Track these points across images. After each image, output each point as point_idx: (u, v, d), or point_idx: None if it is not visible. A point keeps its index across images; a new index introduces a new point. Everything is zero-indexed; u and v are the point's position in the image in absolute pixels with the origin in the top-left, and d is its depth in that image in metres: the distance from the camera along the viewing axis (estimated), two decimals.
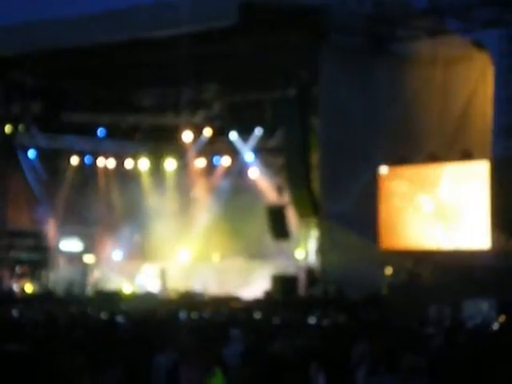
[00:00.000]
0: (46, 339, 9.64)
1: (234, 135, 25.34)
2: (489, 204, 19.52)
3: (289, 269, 22.80)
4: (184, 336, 9.65)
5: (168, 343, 9.00)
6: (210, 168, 26.80)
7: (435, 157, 20.49)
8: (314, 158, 22.04)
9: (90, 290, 24.61)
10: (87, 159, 27.05)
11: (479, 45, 22.32)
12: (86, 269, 25.83)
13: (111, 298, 21.98)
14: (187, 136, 26.01)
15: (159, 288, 24.29)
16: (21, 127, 25.81)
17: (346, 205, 20.90)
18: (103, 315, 15.15)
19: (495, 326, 12.99)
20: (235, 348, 9.55)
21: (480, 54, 22.47)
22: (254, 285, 23.17)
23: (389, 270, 20.00)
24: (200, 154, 26.60)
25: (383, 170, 21.11)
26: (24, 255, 25.78)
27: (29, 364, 8.00)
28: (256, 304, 20.10)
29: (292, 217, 23.19)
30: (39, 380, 7.80)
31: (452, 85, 22.38)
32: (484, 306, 15.96)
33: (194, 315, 15.15)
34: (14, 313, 16.34)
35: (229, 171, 26.36)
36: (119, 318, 13.93)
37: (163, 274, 24.48)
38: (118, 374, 7.93)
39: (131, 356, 8.72)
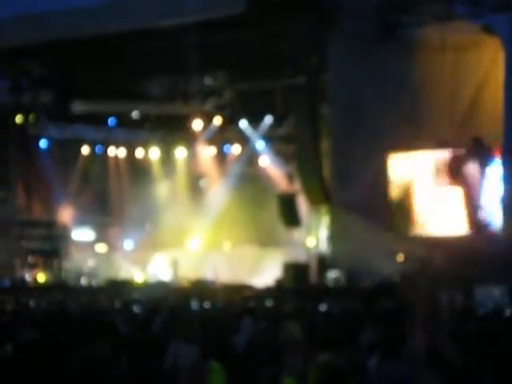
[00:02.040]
0: (58, 328, 9.71)
1: (243, 123, 25.33)
2: (500, 189, 19.48)
3: (300, 256, 22.82)
4: (197, 325, 9.70)
5: (180, 332, 9.04)
6: (221, 156, 26.81)
7: (446, 143, 20.43)
8: (325, 145, 22.01)
9: (101, 280, 24.72)
10: (98, 149, 27.11)
11: (489, 30, 22.14)
12: (98, 258, 25.95)
13: (123, 287, 22.09)
14: (197, 124, 26.02)
15: (171, 277, 24.37)
16: (31, 117, 25.88)
17: (356, 192, 20.87)
18: (116, 304, 15.23)
19: (507, 313, 12.98)
20: (246, 337, 9.60)
21: (490, 40, 22.30)
22: (266, 273, 23.21)
23: (400, 257, 19.99)
24: (210, 142, 26.62)
25: (394, 156, 21.07)
26: (36, 245, 25.91)
27: (42, 352, 8.07)
28: (267, 292, 20.15)
29: (303, 204, 23.19)
30: (53, 368, 7.86)
31: (462, 71, 22.24)
32: (496, 292, 15.94)
33: (206, 304, 15.20)
34: (27, 302, 16.44)
35: (239, 159, 26.36)
36: (132, 307, 14.01)
37: (175, 265, 24.55)
38: (131, 363, 7.99)
39: (143, 344, 8.78)
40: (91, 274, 24.76)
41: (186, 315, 11.32)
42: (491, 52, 22.37)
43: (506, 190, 19.36)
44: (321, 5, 20.69)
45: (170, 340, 8.72)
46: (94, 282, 24.35)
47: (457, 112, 22.12)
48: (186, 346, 8.39)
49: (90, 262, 25.30)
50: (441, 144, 20.47)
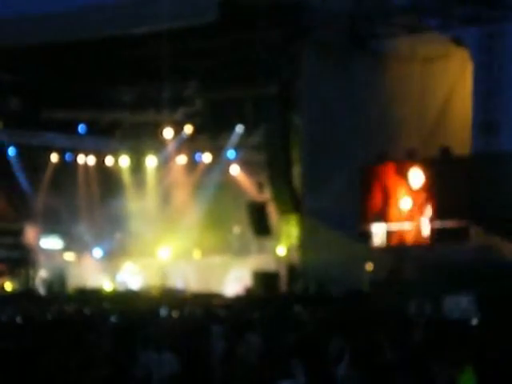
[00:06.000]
0: (25, 338, 9.61)
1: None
2: (467, 199, 19.68)
3: (270, 265, 22.84)
4: (166, 332, 9.67)
5: (150, 340, 9.02)
6: (192, 165, 26.77)
7: (415, 153, 20.62)
8: (295, 154, 22.10)
9: (70, 288, 24.51)
10: (67, 156, 26.93)
11: (458, 42, 22.46)
12: (66, 267, 25.73)
13: (92, 296, 21.91)
14: (168, 133, 25.97)
15: (140, 286, 24.20)
16: None
17: (327, 201, 20.97)
18: (86, 311, 15.10)
19: (474, 321, 13.10)
20: (217, 344, 9.60)
21: (459, 51, 22.61)
22: (235, 281, 23.20)
23: (370, 266, 20.09)
24: (181, 150, 26.57)
25: (364, 166, 21.22)
26: (3, 253, 25.61)
27: (10, 362, 7.99)
28: (237, 301, 20.13)
29: (273, 213, 23.23)
30: (22, 378, 7.78)
31: (431, 82, 22.51)
32: (463, 301, 16.08)
33: (175, 313, 15.15)
34: None
35: (210, 168, 26.35)
36: (102, 316, 13.90)
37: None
38: (104, 371, 7.93)
39: (116, 353, 8.73)
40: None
41: (155, 324, 11.27)
42: (459, 63, 22.67)
43: (473, 199, 19.56)
44: (292, 15, 20.81)
45: (142, 349, 8.69)
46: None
47: (425, 122, 22.37)
48: (158, 355, 8.36)
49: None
50: (410, 153, 20.66)
